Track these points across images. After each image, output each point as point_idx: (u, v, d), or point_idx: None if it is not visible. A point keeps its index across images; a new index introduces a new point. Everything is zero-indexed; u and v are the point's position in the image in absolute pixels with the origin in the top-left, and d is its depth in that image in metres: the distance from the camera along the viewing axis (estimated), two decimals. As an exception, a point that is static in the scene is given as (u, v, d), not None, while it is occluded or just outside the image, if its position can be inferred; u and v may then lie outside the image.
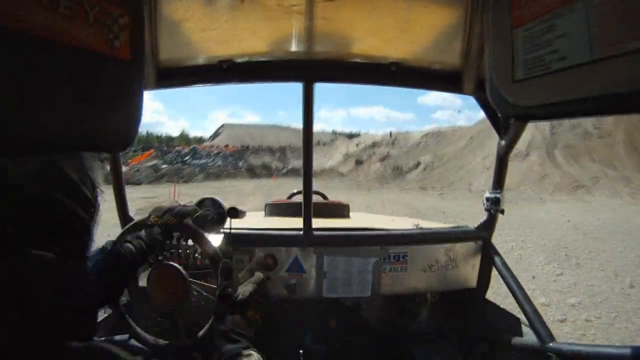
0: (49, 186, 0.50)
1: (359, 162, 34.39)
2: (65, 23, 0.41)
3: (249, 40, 1.27)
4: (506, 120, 1.37)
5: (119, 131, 0.50)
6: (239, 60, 1.36)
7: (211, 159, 34.23)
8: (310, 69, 1.39)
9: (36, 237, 0.49)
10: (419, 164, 29.75)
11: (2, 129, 0.37)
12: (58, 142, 0.44)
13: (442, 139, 35.37)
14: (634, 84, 0.46)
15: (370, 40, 1.30)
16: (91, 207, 0.56)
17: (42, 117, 0.40)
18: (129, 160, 27.99)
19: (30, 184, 0.49)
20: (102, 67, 0.46)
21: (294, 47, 1.33)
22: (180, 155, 33.59)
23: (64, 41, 0.41)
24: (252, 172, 31.73)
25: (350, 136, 51.04)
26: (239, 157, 37.78)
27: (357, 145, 40.98)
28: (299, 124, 1.42)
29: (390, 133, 41.12)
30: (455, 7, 1.14)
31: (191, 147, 38.90)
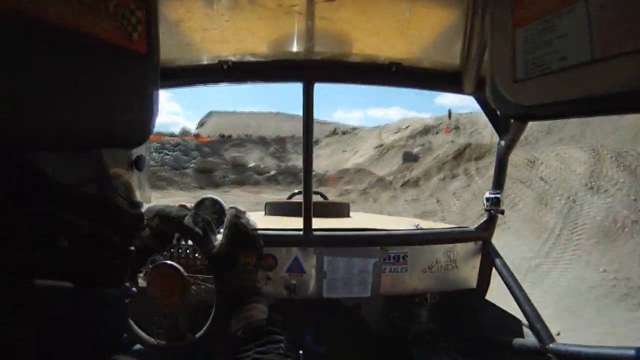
0: (105, 188, 0.45)
1: (409, 158, 18.41)
2: (85, 12, 0.40)
3: (249, 40, 1.27)
4: (506, 120, 1.37)
5: (135, 127, 0.49)
6: (239, 60, 1.36)
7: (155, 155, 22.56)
8: (310, 69, 1.39)
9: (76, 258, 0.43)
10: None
11: (20, 120, 0.35)
12: (76, 136, 0.42)
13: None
14: (634, 84, 0.46)
15: (370, 41, 1.30)
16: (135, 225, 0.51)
17: (62, 109, 0.39)
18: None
19: (84, 185, 0.43)
20: (121, 59, 0.45)
21: (294, 47, 1.33)
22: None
23: (84, 31, 0.40)
24: (204, 178, 19.13)
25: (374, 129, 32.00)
26: (212, 151, 26.14)
27: (396, 132, 25.09)
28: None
29: (449, 113, 24.09)
30: (455, 8, 1.14)
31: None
